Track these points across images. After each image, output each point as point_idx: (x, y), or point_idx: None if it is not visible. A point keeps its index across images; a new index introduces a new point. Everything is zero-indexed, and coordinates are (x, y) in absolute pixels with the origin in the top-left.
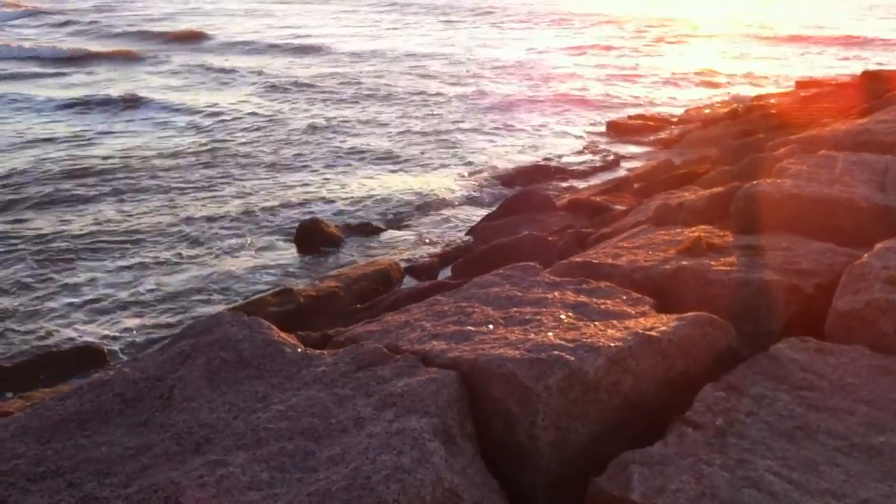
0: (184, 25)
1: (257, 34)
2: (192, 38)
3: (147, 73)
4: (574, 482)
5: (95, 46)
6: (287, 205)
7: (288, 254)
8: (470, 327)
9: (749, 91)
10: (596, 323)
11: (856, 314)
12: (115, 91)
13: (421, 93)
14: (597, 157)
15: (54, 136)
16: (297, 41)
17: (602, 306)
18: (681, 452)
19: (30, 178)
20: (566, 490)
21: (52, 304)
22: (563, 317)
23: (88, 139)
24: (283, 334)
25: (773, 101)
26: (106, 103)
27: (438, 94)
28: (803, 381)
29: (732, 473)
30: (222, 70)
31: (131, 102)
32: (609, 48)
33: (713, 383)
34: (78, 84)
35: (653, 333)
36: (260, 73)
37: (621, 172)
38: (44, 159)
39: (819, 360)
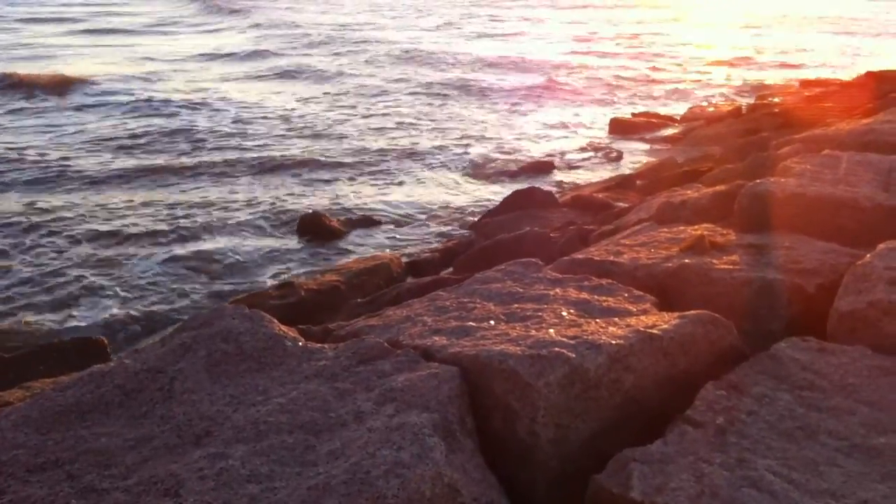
0: None
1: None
2: None
3: None
4: (574, 479)
5: None
6: (288, 198)
7: (289, 247)
8: (471, 323)
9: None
10: (597, 320)
11: (858, 315)
12: None
13: (421, 87)
14: (600, 154)
15: None
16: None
17: (604, 303)
18: (681, 451)
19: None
20: (566, 487)
21: (52, 296)
22: (564, 313)
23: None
24: (284, 328)
25: (777, 99)
26: None
27: (439, 88)
28: (804, 380)
29: (732, 472)
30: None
31: None
32: (607, 47)
33: (714, 382)
34: None
35: (654, 331)
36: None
37: (624, 170)
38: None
39: (820, 360)
